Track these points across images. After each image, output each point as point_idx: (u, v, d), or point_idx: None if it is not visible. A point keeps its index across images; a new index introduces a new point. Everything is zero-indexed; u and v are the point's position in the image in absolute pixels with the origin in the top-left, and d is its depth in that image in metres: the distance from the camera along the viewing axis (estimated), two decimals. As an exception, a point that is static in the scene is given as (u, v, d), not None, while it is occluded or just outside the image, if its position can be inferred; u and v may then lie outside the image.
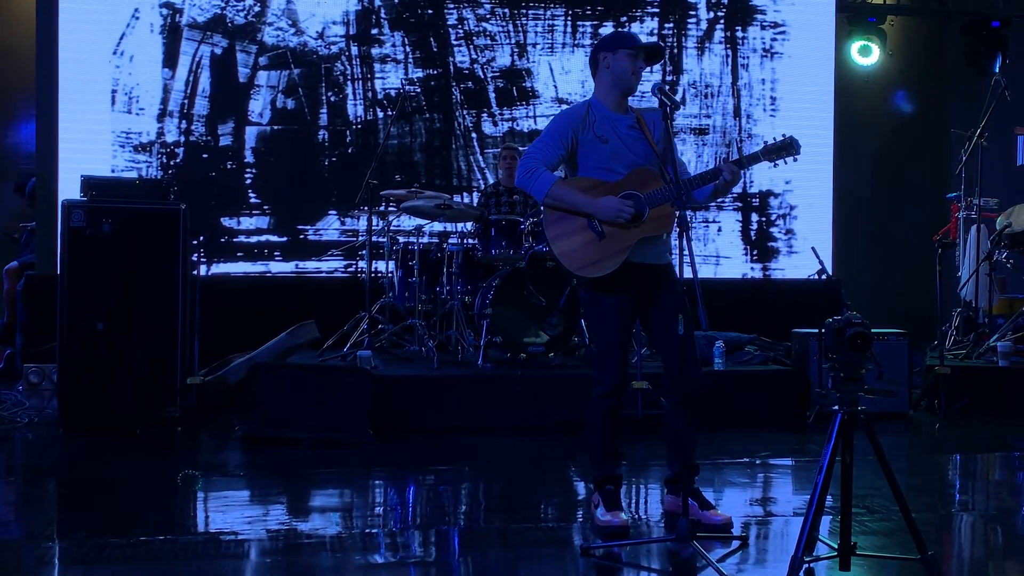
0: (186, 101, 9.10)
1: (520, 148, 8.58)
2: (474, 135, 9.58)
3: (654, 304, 4.53)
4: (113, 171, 8.82)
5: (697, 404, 4.59)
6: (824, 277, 7.08)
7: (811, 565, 3.90)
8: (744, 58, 10.05)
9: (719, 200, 9.84)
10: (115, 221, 6.62)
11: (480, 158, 9.57)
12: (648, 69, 4.68)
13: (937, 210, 10.20)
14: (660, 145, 4.50)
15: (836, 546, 3.81)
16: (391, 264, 8.05)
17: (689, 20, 9.92)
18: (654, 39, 9.68)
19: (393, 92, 9.39)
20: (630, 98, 4.64)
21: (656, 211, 4.41)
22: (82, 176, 6.91)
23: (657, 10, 9.84)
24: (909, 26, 10.87)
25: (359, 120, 9.39)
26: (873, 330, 3.76)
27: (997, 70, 9.86)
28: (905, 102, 10.80)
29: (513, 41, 9.64)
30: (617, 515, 4.51)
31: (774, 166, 4.61)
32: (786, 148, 4.52)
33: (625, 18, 9.72)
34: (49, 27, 8.81)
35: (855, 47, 10.43)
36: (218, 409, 6.99)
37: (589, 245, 4.43)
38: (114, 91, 8.95)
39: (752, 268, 10.07)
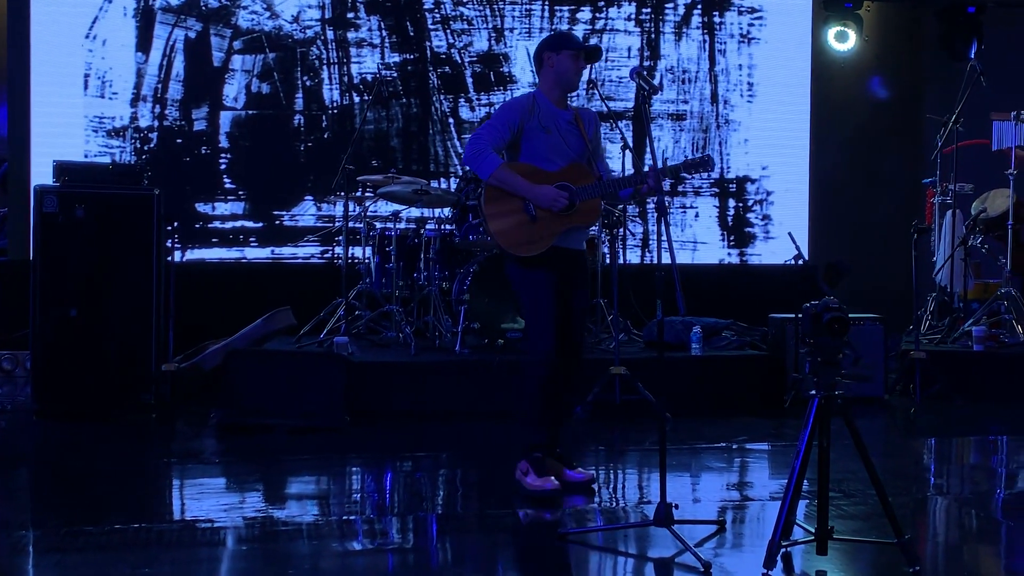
0: (160, 85, 9.01)
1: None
2: (451, 120, 9.54)
3: (568, 283, 4.91)
4: (86, 156, 8.73)
5: (576, 372, 5.07)
6: (800, 262, 7.11)
7: (788, 549, 3.92)
8: (721, 43, 10.04)
9: (696, 186, 9.89)
10: (88, 207, 6.56)
11: (457, 143, 9.53)
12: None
13: (913, 195, 10.23)
14: (592, 144, 4.94)
15: (813, 530, 3.83)
16: (368, 250, 8.01)
17: (667, 5, 9.89)
18: (633, 26, 9.66)
19: (369, 77, 9.33)
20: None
21: (585, 204, 4.82)
22: (54, 161, 6.84)
23: (634, -5, 9.82)
24: (885, 12, 10.89)
25: (335, 105, 9.33)
26: (849, 315, 3.77)
27: (973, 56, 9.88)
28: (881, 87, 10.81)
29: (490, 26, 9.59)
30: (548, 479, 4.82)
31: (689, 177, 5.10)
32: (703, 164, 4.86)
33: (603, 2, 9.69)
34: (21, 11, 8.71)
35: (831, 32, 10.43)
36: (193, 396, 6.95)
37: (523, 226, 4.80)
38: (87, 75, 8.86)
39: (729, 254, 10.08)
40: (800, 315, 3.83)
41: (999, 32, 10.52)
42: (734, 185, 10.02)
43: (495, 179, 4.78)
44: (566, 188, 4.78)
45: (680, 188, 9.86)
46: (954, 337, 8.08)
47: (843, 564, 3.92)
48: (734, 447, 6.05)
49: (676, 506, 4.13)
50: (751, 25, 10.09)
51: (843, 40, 10.44)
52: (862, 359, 7.06)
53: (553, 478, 4.84)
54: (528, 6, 9.63)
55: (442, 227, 7.69)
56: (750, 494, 5.11)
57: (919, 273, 7.64)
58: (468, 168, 4.97)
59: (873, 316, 7.50)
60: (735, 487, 5.29)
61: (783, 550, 3.80)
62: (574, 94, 5.10)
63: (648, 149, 4.48)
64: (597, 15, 9.69)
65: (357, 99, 9.34)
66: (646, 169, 4.79)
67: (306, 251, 9.24)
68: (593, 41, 9.53)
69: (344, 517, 4.58)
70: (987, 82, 8.29)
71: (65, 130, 8.73)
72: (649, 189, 4.72)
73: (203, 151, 9.12)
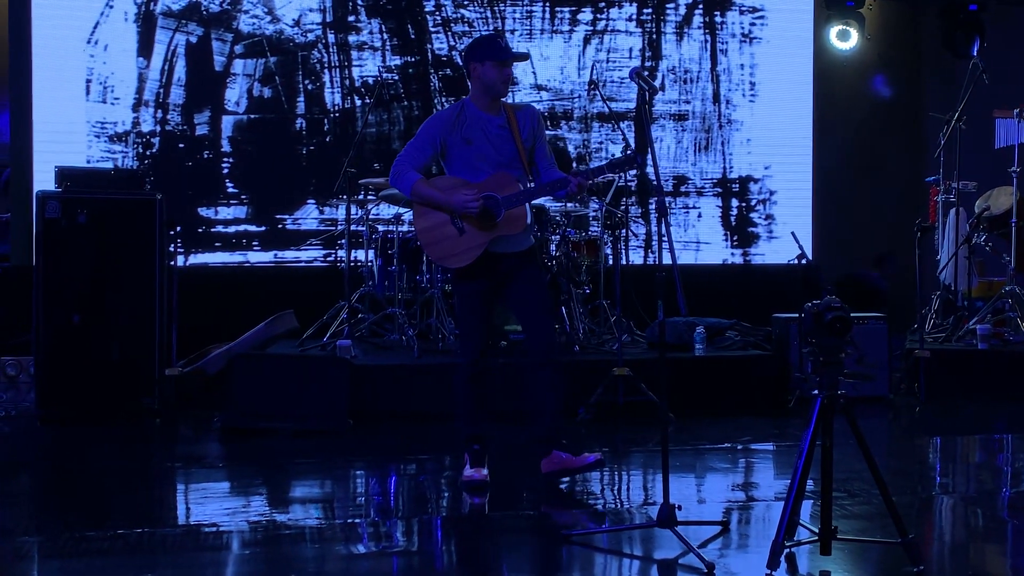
0: (161, 90, 9.01)
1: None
2: (453, 122, 9.52)
3: (513, 280, 4.99)
4: (88, 161, 8.73)
5: (556, 364, 5.08)
6: (804, 262, 7.10)
7: (792, 550, 3.91)
8: (723, 43, 10.03)
9: (699, 186, 9.88)
10: (90, 212, 6.56)
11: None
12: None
13: (916, 194, 10.21)
14: (527, 144, 4.97)
15: (817, 530, 3.82)
16: (370, 253, 8.01)
17: (668, 5, 9.88)
18: (634, 27, 9.66)
19: (371, 80, 9.33)
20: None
21: (510, 212, 4.85)
22: (57, 167, 6.84)
23: (635, -5, 9.82)
24: (887, 10, 10.87)
25: (337, 108, 9.33)
26: (852, 314, 3.76)
27: (975, 53, 9.86)
28: (884, 86, 10.80)
29: (491, 28, 9.58)
30: (479, 471, 5.00)
31: (618, 177, 5.21)
32: (628, 162, 4.87)
33: (603, 3, 9.68)
34: (22, 16, 8.71)
35: (833, 31, 10.41)
36: (196, 400, 6.95)
37: (450, 239, 4.91)
38: (88, 80, 8.86)
39: (732, 254, 10.06)
40: (802, 314, 3.82)
41: (1001, 30, 10.50)
42: (737, 185, 10.01)
43: (414, 195, 4.93)
44: (491, 198, 4.83)
45: (683, 188, 9.86)
46: (958, 336, 8.05)
47: (847, 564, 3.91)
48: (738, 447, 6.04)
49: (680, 507, 4.12)
50: (753, 24, 10.07)
51: (845, 39, 10.43)
52: (866, 358, 7.01)
53: (483, 470, 5.01)
54: (529, 8, 9.62)
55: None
56: (754, 494, 5.11)
57: (923, 271, 7.63)
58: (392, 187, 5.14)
59: (877, 315, 7.48)
60: (739, 488, 5.29)
61: (787, 550, 3.79)
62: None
63: (649, 150, 4.42)
64: (598, 16, 9.69)
65: (359, 102, 9.34)
66: (577, 170, 4.92)
67: (309, 255, 9.24)
68: (594, 42, 9.53)
69: (348, 520, 4.57)
70: (989, 79, 8.28)
71: (67, 135, 8.73)
72: (579, 188, 4.83)
73: (205, 155, 9.12)
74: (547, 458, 5.09)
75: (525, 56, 5.44)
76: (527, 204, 4.92)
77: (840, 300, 3.74)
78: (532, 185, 5.00)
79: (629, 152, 4.95)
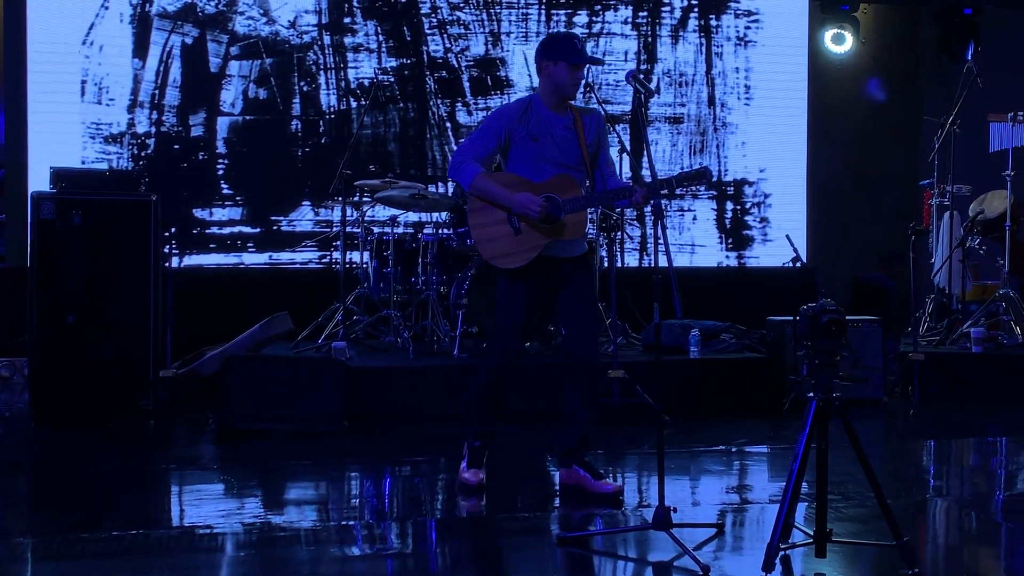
0: (157, 91, 9.01)
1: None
2: (448, 124, 9.54)
3: (565, 287, 4.84)
4: (83, 163, 8.73)
5: (594, 377, 5.01)
6: (798, 265, 7.11)
7: (787, 552, 3.91)
8: (718, 46, 10.05)
9: (694, 189, 9.89)
10: (85, 213, 6.55)
11: (455, 147, 9.53)
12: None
13: (910, 197, 10.23)
14: (591, 149, 4.81)
15: (812, 533, 3.83)
16: (366, 255, 8.01)
17: (663, 8, 9.90)
18: (629, 30, 9.66)
19: (366, 81, 9.33)
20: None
21: (570, 216, 4.72)
22: (52, 168, 6.83)
23: (631, -2, 9.83)
24: (882, 14, 10.89)
25: (332, 110, 9.33)
26: (847, 317, 3.77)
27: (969, 57, 9.89)
28: (878, 90, 10.82)
29: (487, 30, 9.59)
30: (476, 473, 4.96)
31: (683, 191, 4.99)
32: (699, 177, 4.73)
33: (599, 6, 9.69)
34: (17, 17, 8.70)
35: (828, 35, 10.43)
36: (191, 402, 6.94)
37: (506, 238, 4.75)
38: (84, 81, 8.86)
39: (727, 256, 10.08)
40: (798, 317, 3.82)
41: (996, 33, 10.53)
42: (732, 188, 10.02)
43: (474, 189, 4.76)
44: (551, 200, 4.68)
45: (678, 191, 9.85)
46: (952, 339, 8.07)
47: (842, 567, 3.92)
48: (733, 450, 6.05)
49: (675, 509, 4.13)
50: (748, 28, 10.09)
51: (840, 42, 10.45)
52: (861, 361, 7.06)
53: (481, 472, 4.97)
54: (525, 10, 9.63)
55: (440, 231, 7.69)
56: (749, 497, 5.11)
57: (917, 275, 7.64)
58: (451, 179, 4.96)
59: (871, 318, 7.50)
60: (734, 490, 5.29)
61: (782, 553, 3.79)
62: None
63: (645, 152, 4.45)
64: (594, 19, 9.70)
65: (354, 104, 9.34)
66: (643, 179, 4.75)
67: (304, 256, 9.24)
68: (590, 45, 9.54)
69: (343, 522, 4.57)
70: (984, 83, 8.29)
71: (62, 136, 8.72)
72: (643, 199, 4.65)
73: (200, 157, 9.12)
74: (567, 470, 5.00)
75: (600, 61, 5.38)
76: (587, 210, 4.81)
77: (836, 303, 3.75)
78: (594, 191, 4.85)
79: (700, 166, 4.73)
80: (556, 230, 4.71)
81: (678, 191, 9.70)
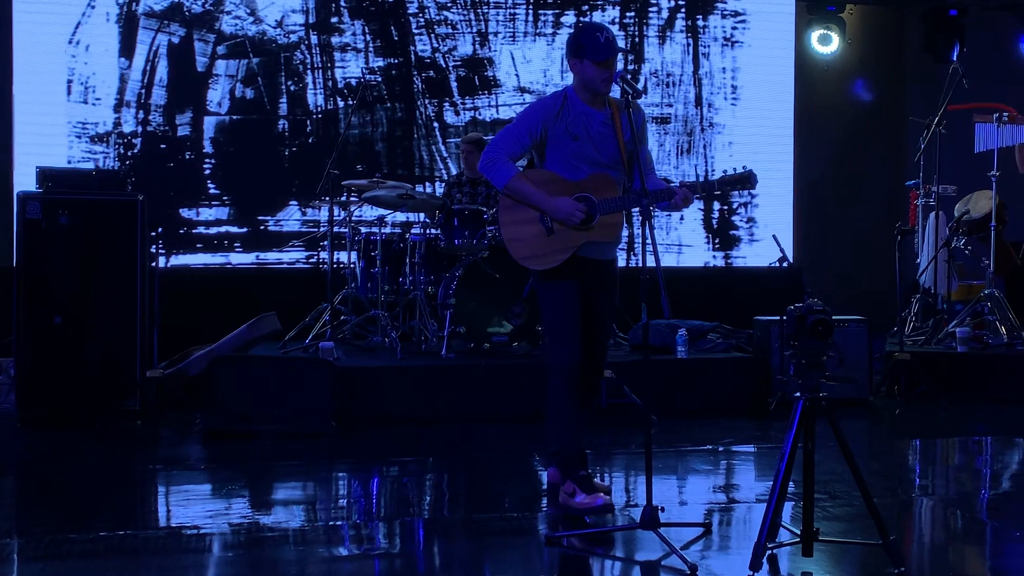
0: (143, 91, 8.99)
1: (485, 138, 8.55)
2: (436, 124, 9.54)
3: (595, 292, 4.67)
4: (69, 162, 8.71)
5: (598, 387, 5.00)
6: (785, 265, 7.13)
7: (774, 551, 3.93)
8: (705, 47, 10.07)
9: (657, 206, 9.88)
10: (72, 213, 6.53)
11: (442, 147, 9.53)
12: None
13: (896, 197, 10.28)
14: (629, 146, 4.54)
15: (799, 532, 3.84)
16: (353, 255, 8.00)
17: (650, 9, 9.92)
18: (617, 30, 9.67)
19: (354, 81, 9.33)
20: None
21: (606, 217, 4.53)
22: (38, 167, 6.80)
23: (618, -1, 9.85)
24: (868, 15, 10.94)
25: (319, 110, 9.33)
26: (833, 317, 3.78)
27: (955, 58, 9.93)
28: (864, 90, 10.87)
29: (475, 30, 9.60)
30: (598, 496, 4.54)
31: (729, 195, 4.79)
32: (743, 181, 4.63)
33: (587, 7, 9.70)
34: (3, 16, 8.68)
35: (815, 36, 10.48)
36: (178, 402, 6.91)
37: (538, 238, 4.55)
38: (70, 81, 8.84)
39: (714, 256, 10.11)
40: (784, 317, 3.84)
41: (981, 34, 10.58)
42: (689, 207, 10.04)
43: (509, 189, 4.54)
44: (585, 199, 4.50)
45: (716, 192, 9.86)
46: (938, 338, 8.10)
47: (828, 565, 3.93)
48: (720, 450, 6.06)
49: (662, 509, 4.13)
50: (735, 28, 10.12)
51: (826, 43, 10.49)
52: (847, 361, 7.08)
53: (603, 494, 4.59)
54: (512, 10, 9.64)
55: (427, 231, 7.69)
56: (736, 496, 5.12)
57: (903, 275, 7.67)
58: (482, 175, 4.70)
59: (857, 318, 7.52)
60: (721, 489, 5.30)
61: (769, 552, 3.80)
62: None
63: (635, 156, 4.41)
64: (581, 19, 9.71)
65: (341, 104, 9.34)
66: (685, 181, 4.62)
67: (291, 256, 9.23)
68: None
69: (331, 522, 4.57)
70: (969, 84, 8.33)
71: (48, 136, 8.70)
72: (684, 201, 4.53)
73: (187, 156, 9.10)
74: (555, 470, 4.82)
75: (625, 51, 5.09)
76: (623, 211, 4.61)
77: (822, 303, 3.77)
78: (631, 190, 4.62)
79: (744, 169, 4.59)
80: (590, 231, 4.55)
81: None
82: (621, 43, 9.70)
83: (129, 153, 8.96)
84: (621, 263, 9.56)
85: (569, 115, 4.55)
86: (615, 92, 4.52)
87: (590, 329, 4.68)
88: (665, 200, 4.54)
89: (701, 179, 4.58)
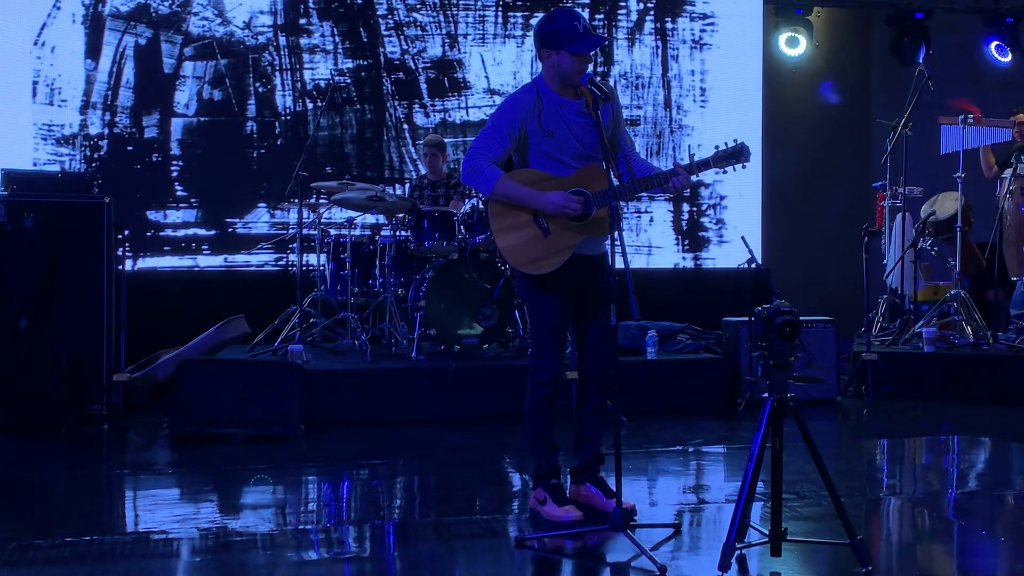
0: (110, 93, 8.92)
1: (444, 140, 8.55)
2: (406, 126, 9.53)
3: (588, 293, 4.50)
4: (35, 164, 8.63)
5: (611, 391, 4.60)
6: (754, 266, 7.16)
7: (743, 551, 3.94)
8: (674, 49, 10.11)
9: (651, 192, 9.92)
10: (37, 215, 6.47)
11: (412, 149, 9.52)
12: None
13: (863, 198, 10.35)
14: (609, 132, 4.40)
15: (767, 532, 3.85)
16: (322, 257, 7.98)
17: (619, 12, 9.95)
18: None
19: (323, 83, 9.30)
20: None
21: (602, 211, 4.33)
22: (2, 169, 6.74)
23: (587, 1, 9.85)
24: (835, 18, 11.02)
25: (288, 111, 9.29)
26: (801, 318, 3.80)
27: (921, 60, 10.03)
28: (832, 92, 10.94)
29: (444, 32, 9.59)
30: (569, 509, 4.47)
31: (723, 172, 4.61)
32: (736, 155, 4.48)
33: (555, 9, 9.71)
34: (-34, 17, 8.59)
35: (783, 38, 10.54)
36: (145, 406, 6.88)
37: (534, 241, 4.36)
38: (35, 82, 8.75)
39: (684, 258, 10.15)
40: (752, 318, 3.85)
41: (945, 37, 10.69)
42: (688, 190, 10.08)
43: (496, 195, 4.33)
44: (581, 194, 4.31)
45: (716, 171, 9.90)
46: (905, 339, 8.18)
47: (797, 565, 3.96)
48: (689, 450, 6.09)
49: (633, 510, 4.14)
50: (703, 31, 10.17)
51: (794, 46, 10.56)
52: (814, 361, 7.13)
53: (574, 507, 4.49)
54: (482, 12, 9.64)
55: (397, 233, 7.68)
56: (705, 497, 5.14)
57: (870, 275, 7.73)
58: (467, 186, 4.48)
59: (825, 318, 7.57)
60: (691, 490, 5.32)
61: (738, 552, 3.82)
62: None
63: (602, 155, 4.38)
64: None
65: (311, 105, 9.30)
66: (678, 162, 4.36)
67: (260, 259, 9.18)
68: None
69: (300, 526, 4.55)
70: (934, 86, 8.41)
71: (13, 138, 8.62)
72: (675, 188, 4.37)
73: (154, 158, 9.04)
74: (577, 487, 4.69)
75: (604, 40, 4.73)
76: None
77: (789, 304, 3.79)
78: (622, 178, 4.38)
79: (736, 143, 4.44)
80: (587, 227, 4.36)
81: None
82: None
83: (96, 155, 8.89)
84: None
85: (543, 110, 4.36)
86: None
87: (588, 331, 4.56)
88: (659, 186, 4.40)
89: (695, 160, 4.43)
